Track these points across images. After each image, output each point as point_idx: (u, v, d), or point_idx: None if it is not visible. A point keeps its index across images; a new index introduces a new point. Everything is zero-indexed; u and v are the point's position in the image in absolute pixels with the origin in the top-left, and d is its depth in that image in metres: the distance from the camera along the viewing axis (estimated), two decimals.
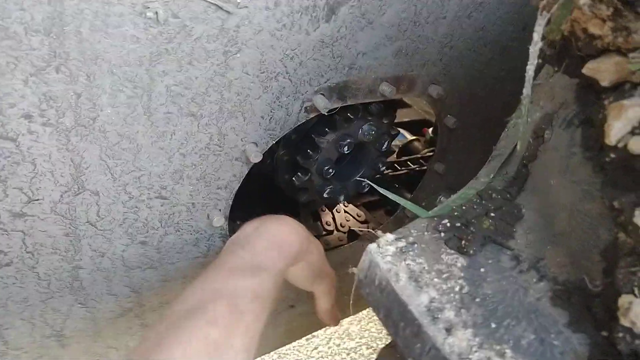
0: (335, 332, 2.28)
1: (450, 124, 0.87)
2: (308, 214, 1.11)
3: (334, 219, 1.15)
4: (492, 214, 0.44)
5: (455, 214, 0.44)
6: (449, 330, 0.35)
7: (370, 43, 0.66)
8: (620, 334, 0.31)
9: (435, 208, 0.46)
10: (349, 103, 0.72)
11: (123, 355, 0.79)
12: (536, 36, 0.37)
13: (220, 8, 0.50)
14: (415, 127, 1.52)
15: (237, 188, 0.68)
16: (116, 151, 0.54)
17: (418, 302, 0.36)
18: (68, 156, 0.51)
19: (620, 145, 0.32)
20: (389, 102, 0.85)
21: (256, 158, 0.64)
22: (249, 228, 0.61)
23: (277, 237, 0.59)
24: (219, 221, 0.69)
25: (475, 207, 0.45)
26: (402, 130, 1.49)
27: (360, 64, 0.68)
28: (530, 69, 0.37)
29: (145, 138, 0.55)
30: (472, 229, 0.42)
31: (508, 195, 0.46)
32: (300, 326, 1.08)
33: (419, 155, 1.34)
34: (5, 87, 0.43)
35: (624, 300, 0.31)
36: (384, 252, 0.40)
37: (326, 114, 0.67)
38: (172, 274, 0.74)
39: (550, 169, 0.45)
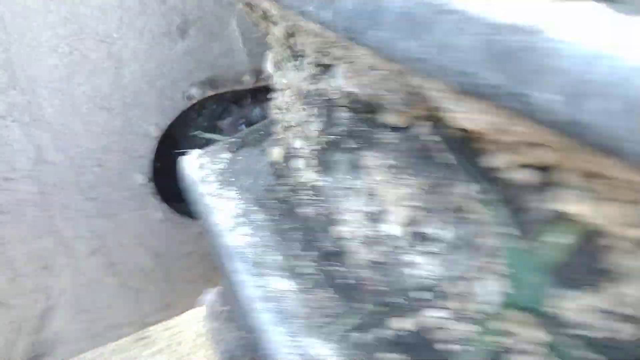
0: None
1: None
2: None
3: None
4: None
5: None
6: (218, 195, 0.68)
7: (224, 48, 1.01)
8: None
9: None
10: (221, 91, 1.06)
11: None
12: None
13: (104, 41, 0.86)
14: None
15: (151, 156, 1.04)
16: (64, 138, 0.91)
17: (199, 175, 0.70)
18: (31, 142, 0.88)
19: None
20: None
21: (154, 133, 1.00)
22: None
23: None
24: (142, 179, 1.04)
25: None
26: None
27: (220, 63, 1.03)
28: None
29: (80, 126, 0.92)
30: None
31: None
32: None
33: None
34: None
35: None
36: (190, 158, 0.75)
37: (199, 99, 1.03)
38: (110, 227, 1.09)
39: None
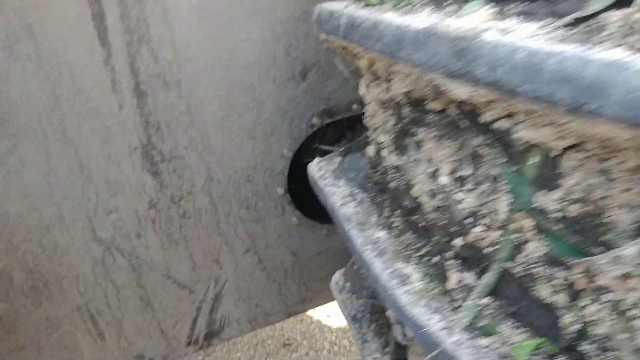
0: None
1: None
2: None
3: None
4: None
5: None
6: (332, 185, 0.95)
7: (335, 84, 1.31)
8: None
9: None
10: (336, 119, 1.36)
11: None
12: None
13: (248, 89, 1.21)
14: None
15: (286, 172, 1.35)
16: (225, 161, 1.26)
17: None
18: (204, 164, 1.25)
19: None
20: None
21: (288, 154, 1.31)
22: None
23: None
24: (281, 191, 1.36)
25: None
26: None
27: (334, 97, 1.32)
28: None
29: (235, 152, 1.26)
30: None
31: None
32: None
33: None
34: None
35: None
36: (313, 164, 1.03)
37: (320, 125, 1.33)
38: (259, 230, 1.41)
39: None
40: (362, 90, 0.95)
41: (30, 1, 0.96)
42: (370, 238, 0.80)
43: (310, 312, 2.36)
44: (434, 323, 0.63)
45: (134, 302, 1.31)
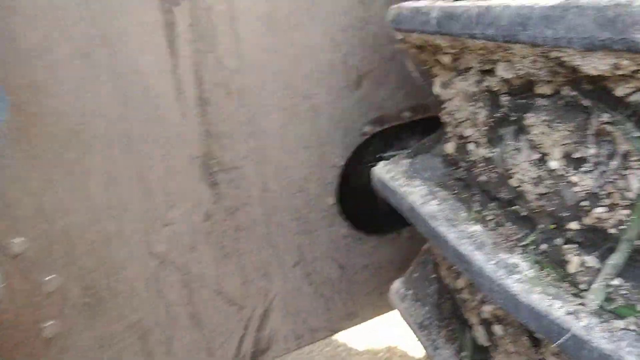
0: None
1: None
2: None
3: None
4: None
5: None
6: (406, 185, 0.95)
7: (387, 92, 1.32)
8: None
9: None
10: (386, 127, 1.36)
11: None
12: None
13: (307, 97, 1.21)
14: None
15: (337, 182, 1.34)
16: (280, 171, 1.25)
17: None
18: (260, 175, 1.23)
19: None
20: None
21: (340, 163, 1.31)
22: None
23: None
24: (332, 201, 1.35)
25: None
26: None
27: (385, 105, 1.33)
28: None
29: (290, 162, 1.26)
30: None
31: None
32: None
33: None
34: None
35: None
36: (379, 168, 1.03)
37: (370, 135, 1.33)
38: (308, 242, 1.39)
39: None
40: (436, 89, 0.96)
41: (107, 9, 0.97)
42: (464, 233, 0.79)
43: (335, 336, 2.30)
44: (556, 309, 0.62)
45: (184, 320, 1.27)
